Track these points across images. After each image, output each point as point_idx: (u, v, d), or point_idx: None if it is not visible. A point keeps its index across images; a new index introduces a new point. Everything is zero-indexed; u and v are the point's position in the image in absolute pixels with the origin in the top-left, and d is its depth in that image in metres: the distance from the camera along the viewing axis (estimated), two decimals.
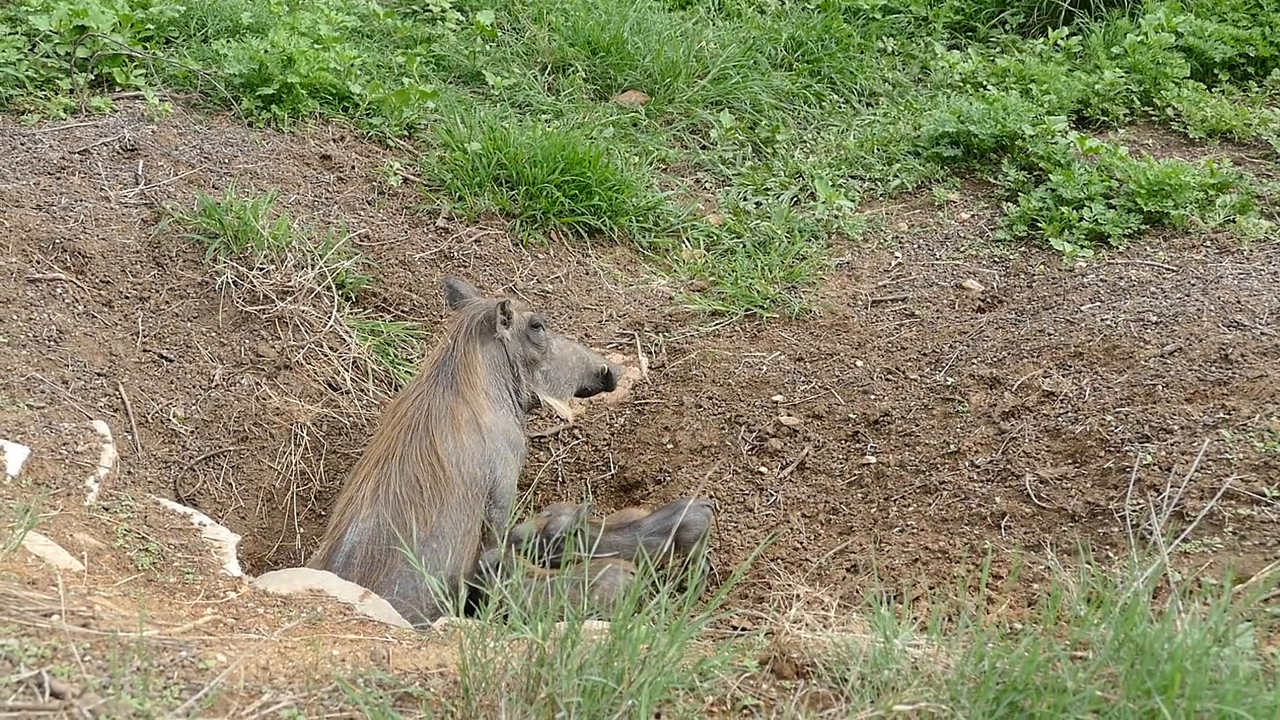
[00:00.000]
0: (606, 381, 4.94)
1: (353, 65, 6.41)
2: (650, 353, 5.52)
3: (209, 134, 5.83)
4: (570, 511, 4.38)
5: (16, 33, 6.00)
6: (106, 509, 3.93)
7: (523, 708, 2.44)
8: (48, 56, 5.98)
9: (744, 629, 3.40)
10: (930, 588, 3.81)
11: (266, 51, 6.12)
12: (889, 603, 3.06)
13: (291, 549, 4.58)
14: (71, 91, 5.87)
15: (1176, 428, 4.13)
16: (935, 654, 2.68)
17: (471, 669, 2.47)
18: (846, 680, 2.62)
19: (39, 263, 4.93)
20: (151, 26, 6.36)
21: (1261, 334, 4.51)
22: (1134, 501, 3.87)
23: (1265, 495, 3.72)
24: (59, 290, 4.88)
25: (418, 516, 4.18)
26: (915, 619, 2.86)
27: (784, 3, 7.99)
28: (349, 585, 4.03)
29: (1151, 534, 3.48)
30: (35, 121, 5.63)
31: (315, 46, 6.37)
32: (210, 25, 6.49)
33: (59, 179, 5.32)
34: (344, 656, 2.81)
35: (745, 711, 2.58)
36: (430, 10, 7.49)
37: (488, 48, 7.24)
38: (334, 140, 6.08)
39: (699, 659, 2.63)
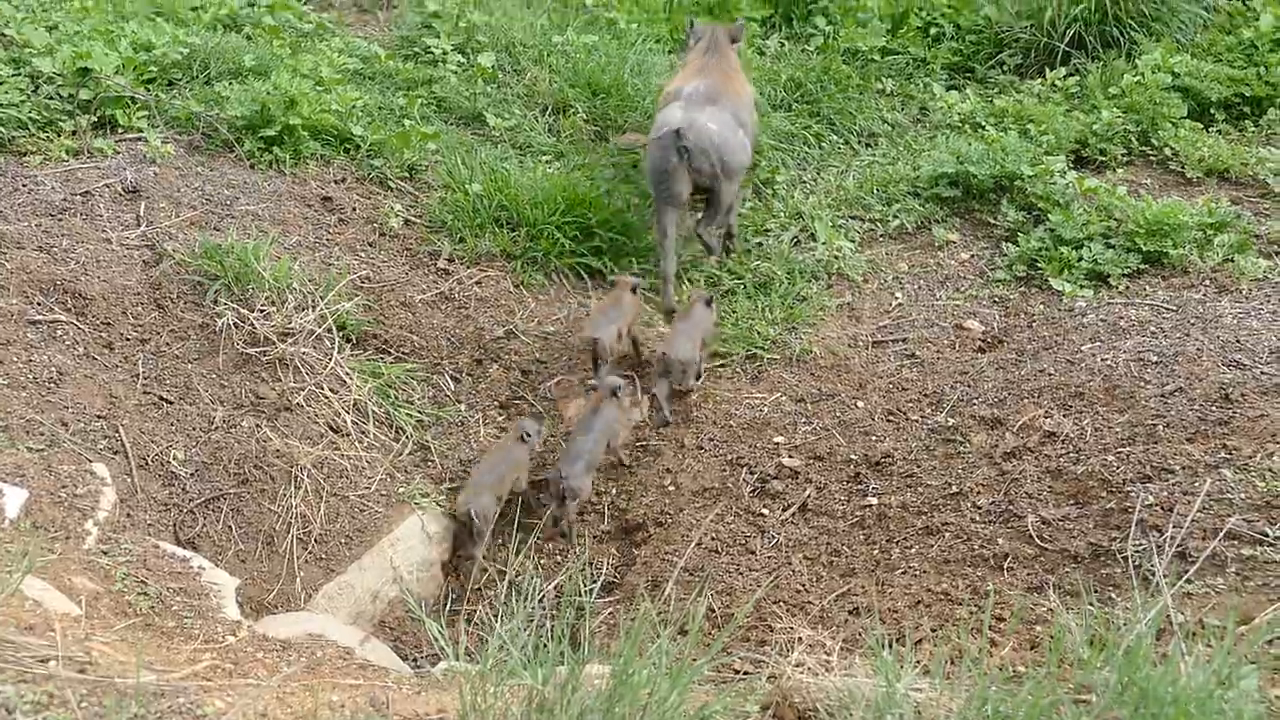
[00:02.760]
0: None
1: (354, 107, 6.42)
2: (651, 394, 5.50)
3: (211, 175, 5.84)
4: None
5: (20, 74, 6.02)
6: (105, 552, 3.92)
7: None
8: (51, 98, 5.99)
9: (746, 673, 3.38)
10: (933, 630, 3.79)
11: (269, 93, 6.15)
12: (891, 646, 3.05)
13: (292, 592, 4.55)
14: (74, 133, 5.89)
15: (1178, 468, 4.12)
16: (938, 698, 2.67)
17: (471, 715, 2.46)
18: None
19: (40, 304, 4.92)
20: (154, 68, 6.39)
21: (1262, 373, 4.50)
22: (1136, 542, 3.86)
23: (1268, 535, 3.71)
24: (59, 332, 4.87)
25: (724, 100, 6.10)
26: (918, 662, 2.84)
27: (783, 44, 8.01)
28: (349, 629, 4.02)
29: (1154, 575, 3.47)
30: (38, 163, 5.64)
31: (317, 88, 6.40)
32: (213, 67, 6.51)
33: (60, 220, 5.33)
34: (343, 702, 2.79)
35: None
36: (432, 53, 7.52)
37: (489, 89, 7.26)
38: (335, 182, 6.09)
39: (700, 705, 2.61)
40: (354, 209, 5.97)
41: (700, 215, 6.12)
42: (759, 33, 8.10)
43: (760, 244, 6.32)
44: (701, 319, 5.53)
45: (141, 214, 5.47)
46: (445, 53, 7.50)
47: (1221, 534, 3.71)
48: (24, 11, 6.88)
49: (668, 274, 5.90)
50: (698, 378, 5.40)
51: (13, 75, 5.98)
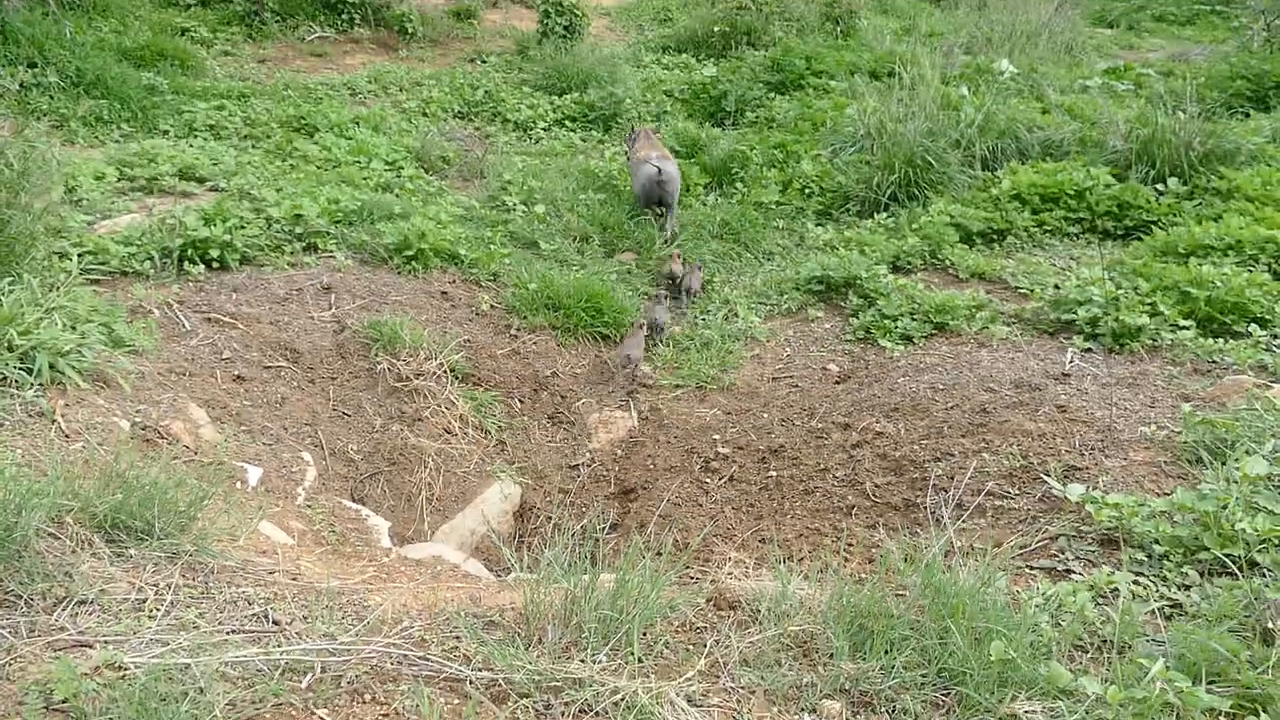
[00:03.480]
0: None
1: (460, 237, 6.45)
2: (638, 410, 5.50)
3: (374, 278, 5.85)
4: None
5: (259, 217, 6.05)
6: (309, 506, 3.91)
7: (562, 630, 2.41)
8: (278, 232, 6.01)
9: (697, 579, 3.38)
10: (809, 552, 3.79)
11: (409, 229, 6.17)
12: (785, 563, 3.04)
13: (422, 531, 4.53)
14: (291, 253, 5.90)
15: (956, 452, 4.13)
16: (813, 594, 2.66)
17: (531, 605, 2.45)
18: (760, 611, 2.60)
19: (270, 356, 4.93)
20: (340, 214, 6.41)
21: (1005, 395, 4.52)
22: (932, 498, 3.87)
23: (1011, 493, 3.72)
24: (283, 373, 4.87)
25: (671, 161, 7.30)
26: (802, 573, 2.84)
27: (718, 200, 8.07)
28: (457, 553, 4.00)
29: (943, 518, 3.47)
30: (270, 271, 5.65)
31: (438, 226, 6.42)
32: (375, 213, 6.53)
33: (283, 306, 5.34)
34: (453, 598, 2.78)
35: (698, 630, 2.56)
36: (506, 205, 7.56)
37: (541, 226, 7.29)
38: (449, 282, 6.10)
39: (670, 599, 2.60)
40: (460, 299, 5.98)
41: (662, 222, 7.33)
42: (701, 193, 8.15)
43: (704, 319, 6.34)
44: (698, 272, 6.66)
45: (332, 302, 5.49)
46: (515, 205, 7.53)
47: (983, 493, 3.72)
48: (262, 180, 6.93)
49: (673, 230, 7.29)
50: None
51: (255, 218, 6.01)
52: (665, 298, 6.31)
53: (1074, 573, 3.02)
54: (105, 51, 9.42)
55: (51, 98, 8.30)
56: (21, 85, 8.02)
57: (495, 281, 6.30)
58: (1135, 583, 2.85)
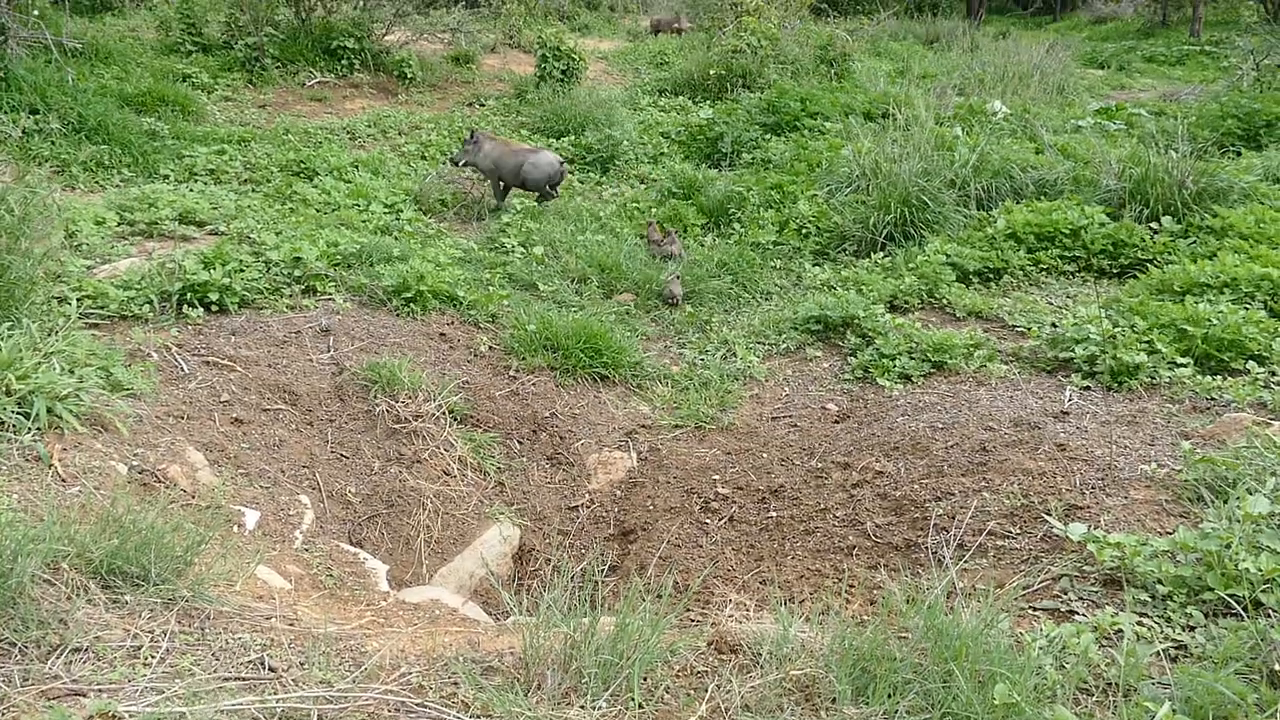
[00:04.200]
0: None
1: (459, 279, 6.48)
2: (638, 450, 5.49)
3: (373, 321, 5.87)
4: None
5: (259, 260, 6.09)
6: (306, 550, 3.88)
7: (561, 675, 2.39)
8: (277, 275, 6.04)
9: (697, 622, 3.35)
10: (810, 594, 3.76)
11: (408, 271, 6.20)
12: (785, 604, 3.02)
13: (420, 574, 4.50)
14: (290, 296, 5.92)
15: (957, 491, 4.12)
16: (815, 637, 2.65)
17: (530, 650, 2.43)
18: (761, 654, 2.58)
19: (269, 398, 4.93)
20: (339, 257, 6.45)
21: (1005, 433, 4.52)
22: (933, 538, 3.85)
23: (1012, 533, 3.70)
24: (281, 415, 4.87)
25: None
26: (803, 615, 2.82)
27: (715, 240, 8.14)
28: (455, 596, 3.97)
29: (944, 558, 3.45)
30: (269, 314, 5.67)
31: (437, 268, 6.46)
32: (374, 255, 6.58)
33: (282, 348, 5.35)
34: (452, 643, 2.75)
35: (698, 674, 2.53)
36: (505, 247, 7.62)
37: (539, 268, 7.34)
38: (448, 324, 6.12)
39: (670, 642, 2.58)
40: (459, 340, 6.00)
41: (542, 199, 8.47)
42: (699, 233, 8.21)
43: (702, 359, 6.36)
44: (675, 237, 7.67)
45: (331, 344, 5.50)
46: (513, 247, 7.59)
47: (984, 532, 3.70)
48: (262, 224, 6.99)
49: (504, 206, 8.50)
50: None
51: (254, 261, 6.05)
52: (667, 239, 7.59)
53: (1077, 614, 3.00)
54: (107, 98, 9.55)
55: (53, 143, 8.39)
56: (24, 131, 8.12)
57: (494, 323, 6.32)
58: (1139, 624, 2.83)
